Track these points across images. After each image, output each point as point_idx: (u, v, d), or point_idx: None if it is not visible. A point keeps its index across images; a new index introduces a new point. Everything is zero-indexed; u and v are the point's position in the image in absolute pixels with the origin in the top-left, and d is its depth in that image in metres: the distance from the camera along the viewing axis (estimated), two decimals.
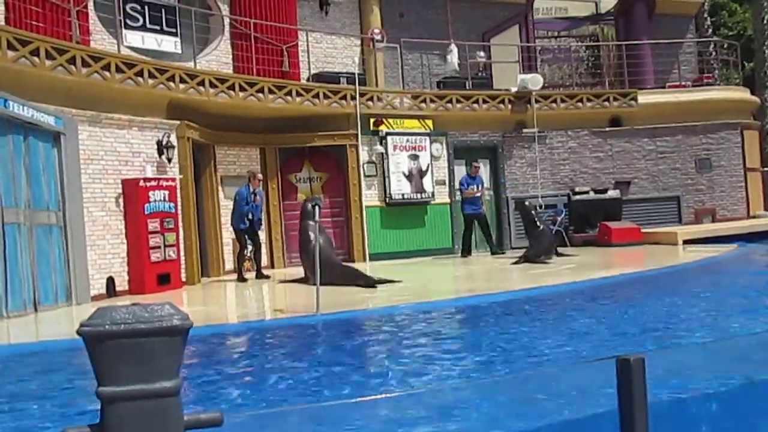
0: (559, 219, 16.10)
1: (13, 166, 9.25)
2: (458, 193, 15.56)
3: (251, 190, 12.53)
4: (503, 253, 15.42)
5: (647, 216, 17.38)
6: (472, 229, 15.21)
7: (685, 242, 14.90)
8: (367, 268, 13.82)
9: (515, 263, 13.21)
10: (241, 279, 12.41)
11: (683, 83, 18.81)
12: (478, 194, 14.96)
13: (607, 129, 17.60)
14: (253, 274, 12.77)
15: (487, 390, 3.99)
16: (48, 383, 5.73)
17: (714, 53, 21.30)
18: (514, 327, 7.32)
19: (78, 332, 1.60)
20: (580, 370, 3.98)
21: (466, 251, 15.18)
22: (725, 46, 22.05)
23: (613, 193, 16.91)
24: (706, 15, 23.26)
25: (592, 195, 16.78)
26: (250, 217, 12.46)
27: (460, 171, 15.98)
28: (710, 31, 23.10)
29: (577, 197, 16.74)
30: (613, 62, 19.80)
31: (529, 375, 4.58)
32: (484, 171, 16.32)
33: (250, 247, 13.03)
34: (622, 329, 6.89)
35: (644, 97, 17.59)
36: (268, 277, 12.72)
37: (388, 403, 3.91)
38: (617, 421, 2.32)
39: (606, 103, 17.37)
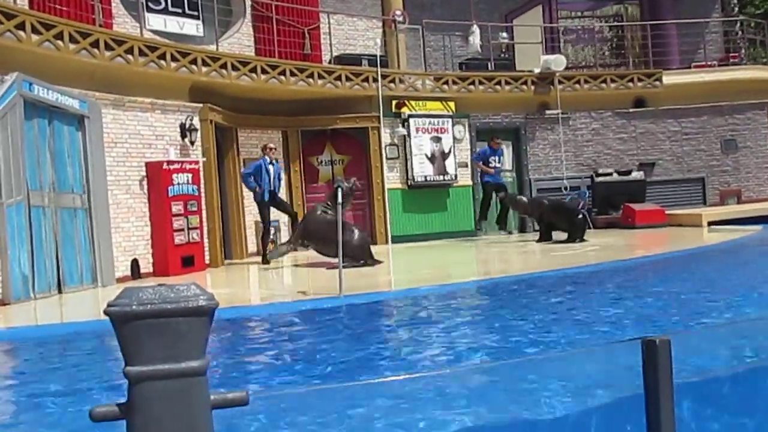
0: (582, 202, 16.00)
1: (38, 149, 9.34)
2: (475, 161, 15.41)
3: (269, 161, 12.41)
4: (510, 233, 15.41)
5: (671, 198, 17.22)
6: (490, 201, 15.07)
7: (710, 224, 14.75)
8: (389, 250, 13.85)
9: (559, 242, 13.18)
10: (265, 261, 12.37)
11: (709, 63, 18.55)
12: (494, 167, 14.78)
13: (631, 110, 17.44)
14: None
15: (510, 372, 3.98)
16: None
17: (741, 32, 20.96)
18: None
19: (105, 312, 1.62)
20: (607, 352, 3.96)
21: (481, 221, 15.22)
22: (752, 24, 21.67)
23: (636, 175, 16.76)
24: None
25: (615, 177, 16.64)
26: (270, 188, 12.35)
27: None
28: (737, 9, 22.68)
29: (601, 179, 16.61)
30: (638, 42, 19.57)
31: (552, 357, 4.57)
32: (505, 149, 16.25)
33: (272, 230, 13.06)
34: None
35: (669, 78, 17.38)
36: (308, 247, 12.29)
37: (408, 383, 3.92)
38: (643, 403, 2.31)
39: (630, 84, 17.18)
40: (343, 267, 8.30)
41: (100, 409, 1.64)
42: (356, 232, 10.98)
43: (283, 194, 13.69)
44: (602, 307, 6.98)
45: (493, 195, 14.99)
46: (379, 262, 11.14)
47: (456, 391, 3.82)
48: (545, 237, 13.64)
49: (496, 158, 14.84)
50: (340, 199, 8.68)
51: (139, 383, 1.61)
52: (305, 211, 14.66)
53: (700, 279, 9.03)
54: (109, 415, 1.64)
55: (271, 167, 12.30)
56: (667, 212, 15.82)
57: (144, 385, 1.61)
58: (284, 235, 14.08)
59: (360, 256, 10.68)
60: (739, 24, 21.06)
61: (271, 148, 12.59)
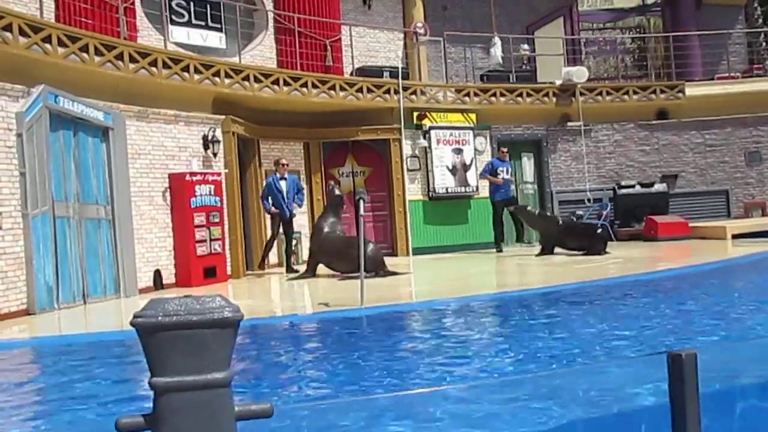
0: (604, 213, 15.89)
1: (63, 160, 9.44)
2: (483, 174, 15.06)
3: (279, 178, 12.61)
4: (530, 243, 15.21)
5: (695, 210, 17.08)
6: (501, 218, 14.86)
7: (734, 237, 14.61)
8: (410, 262, 13.83)
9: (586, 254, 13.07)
10: (290, 270, 12.43)
11: (732, 74, 18.42)
12: (503, 179, 14.65)
13: (654, 122, 17.34)
14: (300, 267, 12.67)
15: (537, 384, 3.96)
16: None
17: (765, 43, 20.83)
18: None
19: (131, 323, 1.63)
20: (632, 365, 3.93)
21: (499, 244, 14.83)
22: None
23: (659, 187, 16.65)
24: (756, 4, 22.74)
25: (638, 189, 16.53)
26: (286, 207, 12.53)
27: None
28: (761, 20, 22.57)
29: (623, 191, 16.50)
30: (660, 54, 19.49)
31: (579, 370, 4.53)
32: (526, 161, 16.21)
33: (294, 241, 13.14)
34: None
35: (692, 89, 17.28)
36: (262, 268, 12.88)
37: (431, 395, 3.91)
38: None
39: (653, 96, 17.10)
40: (356, 278, 8.35)
41: (126, 420, 1.64)
42: (369, 244, 11.21)
43: (304, 205, 13.78)
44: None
45: (504, 210, 14.85)
46: (394, 273, 11.32)
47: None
48: (547, 251, 13.47)
49: (505, 169, 14.71)
50: (362, 212, 8.66)
51: (165, 394, 1.62)
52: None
53: None
54: (135, 425, 1.64)
55: (282, 182, 12.51)
56: (690, 225, 15.69)
57: (169, 396, 1.62)
58: (304, 245, 14.05)
59: (373, 268, 10.84)
60: (763, 35, 20.93)
61: (282, 164, 12.74)
